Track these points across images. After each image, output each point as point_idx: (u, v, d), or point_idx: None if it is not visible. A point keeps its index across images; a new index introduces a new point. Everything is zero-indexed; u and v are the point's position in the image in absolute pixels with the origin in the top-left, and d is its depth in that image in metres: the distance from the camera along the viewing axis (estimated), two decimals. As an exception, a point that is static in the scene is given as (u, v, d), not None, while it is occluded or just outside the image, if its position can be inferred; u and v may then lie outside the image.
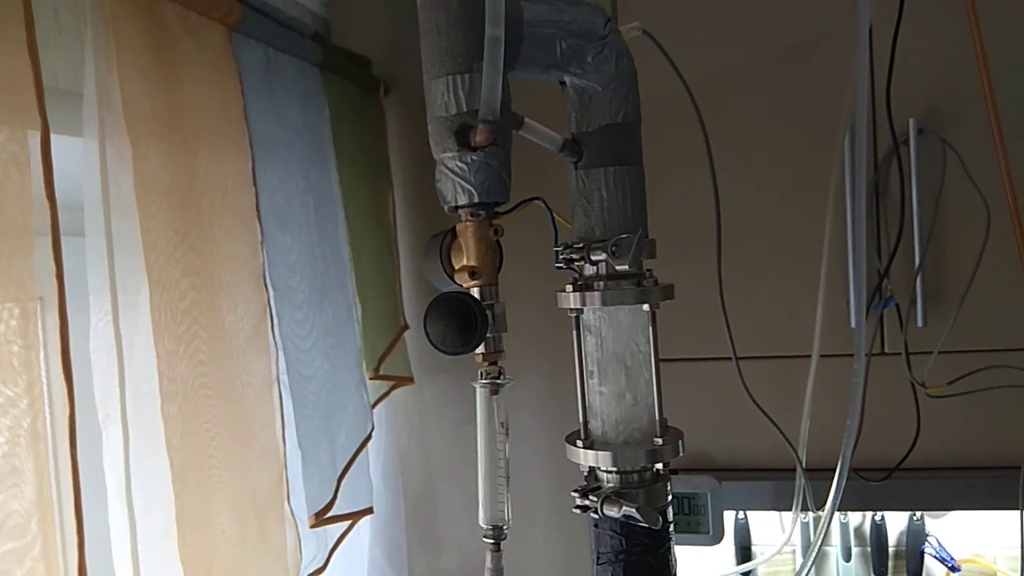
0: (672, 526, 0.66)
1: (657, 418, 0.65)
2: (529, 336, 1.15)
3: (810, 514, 1.30)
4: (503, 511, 0.61)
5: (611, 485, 0.64)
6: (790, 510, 1.05)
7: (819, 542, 0.70)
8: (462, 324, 0.53)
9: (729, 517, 1.27)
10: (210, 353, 0.72)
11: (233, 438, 0.75)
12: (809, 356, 1.00)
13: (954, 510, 1.19)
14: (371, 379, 1.05)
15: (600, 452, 0.64)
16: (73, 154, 0.62)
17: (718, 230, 0.83)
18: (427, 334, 0.55)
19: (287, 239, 0.87)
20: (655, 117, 0.94)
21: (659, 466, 0.66)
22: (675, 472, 1.13)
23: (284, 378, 0.85)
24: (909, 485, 1.07)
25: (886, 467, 1.06)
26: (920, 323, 1.03)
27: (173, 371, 0.67)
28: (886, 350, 1.07)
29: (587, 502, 0.62)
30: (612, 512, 0.61)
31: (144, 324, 0.66)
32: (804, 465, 1.02)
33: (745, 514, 1.28)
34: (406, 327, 1.18)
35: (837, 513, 1.27)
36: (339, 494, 0.92)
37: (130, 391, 0.64)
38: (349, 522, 0.97)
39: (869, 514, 1.26)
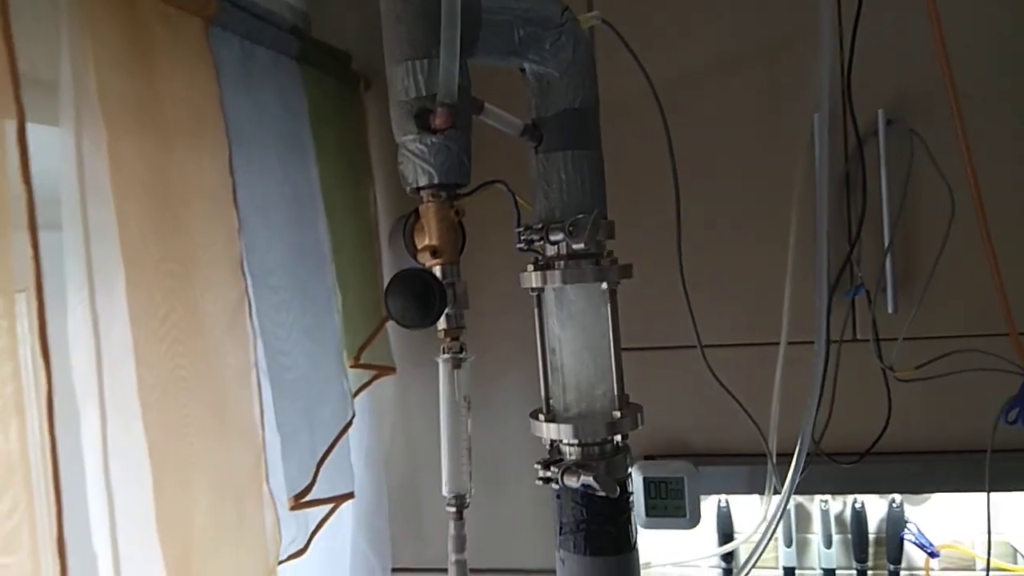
0: (631, 496, 0.68)
1: (616, 392, 0.67)
2: (525, 321, 1.17)
3: (792, 500, 1.32)
4: (466, 481, 0.63)
5: (573, 458, 0.66)
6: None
7: (777, 519, 0.72)
8: (421, 299, 0.55)
9: (712, 504, 1.29)
10: (187, 337, 0.74)
11: (211, 421, 0.77)
12: (791, 343, 1.02)
13: (926, 493, 1.22)
14: (351, 367, 1.07)
15: (561, 425, 0.66)
16: (48, 147, 0.63)
17: (678, 218, 0.85)
18: (387, 309, 0.57)
19: (265, 228, 0.89)
20: (630, 108, 0.96)
21: (619, 439, 0.68)
22: (652, 457, 1.16)
23: (263, 364, 0.87)
24: (882, 469, 1.09)
25: (859, 451, 1.08)
26: (891, 309, 1.05)
27: (150, 354, 0.69)
28: (858, 336, 1.09)
29: (549, 474, 0.64)
30: (571, 482, 0.63)
31: (120, 308, 0.68)
32: (776, 449, 1.04)
33: (727, 501, 1.30)
34: (388, 317, 1.19)
35: (818, 500, 1.29)
36: (318, 478, 0.94)
37: (107, 373, 0.66)
38: (330, 507, 0.99)
39: (850, 501, 1.28)
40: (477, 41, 0.62)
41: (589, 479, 0.61)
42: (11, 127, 0.56)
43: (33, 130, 0.56)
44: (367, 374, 1.15)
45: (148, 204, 0.70)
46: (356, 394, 1.11)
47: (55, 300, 0.58)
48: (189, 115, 0.77)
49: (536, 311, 0.68)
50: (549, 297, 0.69)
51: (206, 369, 0.77)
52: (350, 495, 1.04)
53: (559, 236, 0.64)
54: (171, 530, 0.70)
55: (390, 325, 1.21)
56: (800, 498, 1.32)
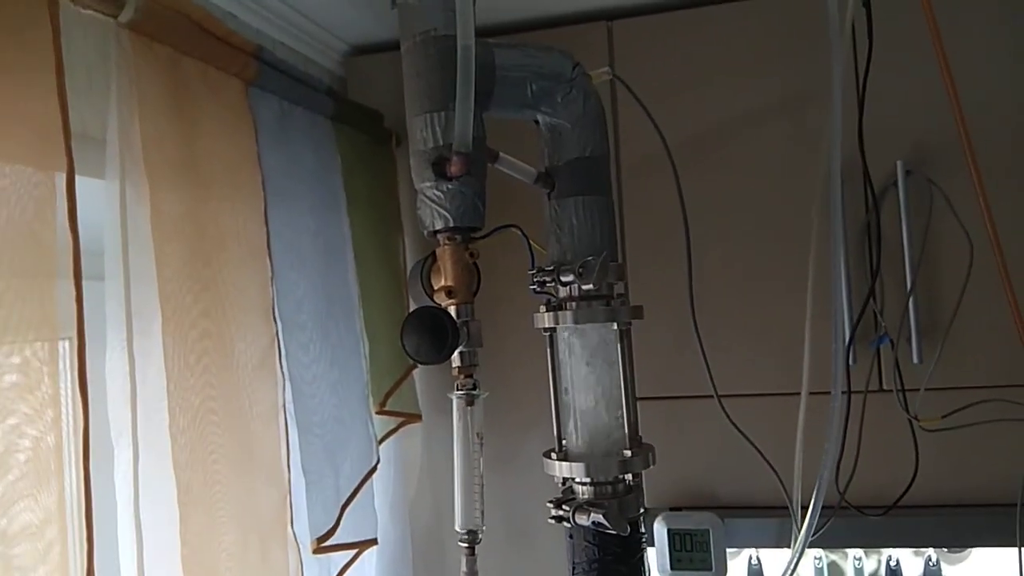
0: (643, 537, 0.68)
1: (628, 432, 0.68)
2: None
3: (824, 558, 1.29)
4: (478, 517, 0.65)
5: (585, 496, 0.67)
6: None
7: (792, 568, 0.72)
8: (434, 336, 0.58)
9: (743, 561, 1.27)
10: (219, 379, 0.77)
11: (238, 461, 0.79)
12: (812, 393, 1.02)
13: (956, 547, 1.18)
14: (377, 413, 1.09)
15: (574, 463, 0.67)
16: (93, 201, 0.68)
17: (689, 269, 0.87)
18: (403, 345, 0.60)
19: (296, 276, 0.93)
20: (654, 160, 0.99)
21: (630, 478, 0.69)
22: (677, 509, 1.15)
23: (290, 407, 0.89)
24: (910, 522, 1.06)
25: (887, 504, 1.06)
26: (915, 359, 1.05)
27: (183, 395, 0.72)
28: (884, 387, 1.09)
29: (561, 512, 0.65)
30: (583, 520, 0.63)
31: (157, 350, 0.71)
32: (800, 502, 1.03)
33: (759, 558, 1.28)
34: (414, 366, 1.22)
35: (852, 558, 1.26)
36: (342, 523, 0.95)
37: (141, 412, 0.69)
38: (353, 552, 1.00)
39: (884, 559, 1.25)
40: (492, 95, 0.66)
41: (599, 517, 0.62)
42: (61, 179, 0.60)
43: (80, 183, 0.60)
44: (393, 421, 1.17)
45: (186, 252, 0.75)
46: (382, 441, 1.13)
47: (94, 342, 0.61)
48: (228, 169, 0.82)
49: (548, 351, 0.70)
50: (562, 337, 0.71)
51: (236, 410, 0.80)
52: (373, 541, 1.05)
53: (570, 277, 0.67)
54: (196, 567, 0.72)
55: (417, 374, 1.23)
56: (834, 555, 1.29)
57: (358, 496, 1.01)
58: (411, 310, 0.61)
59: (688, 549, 1.12)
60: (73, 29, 0.67)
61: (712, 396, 1.12)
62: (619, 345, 0.68)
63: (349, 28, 1.18)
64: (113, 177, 0.69)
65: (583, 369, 0.70)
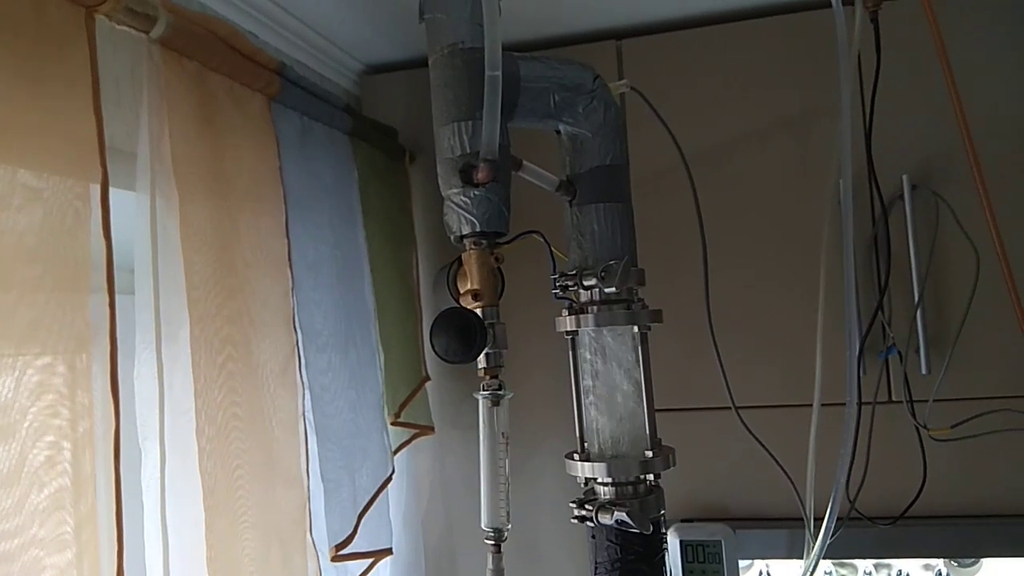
0: (665, 537, 0.69)
1: (648, 432, 0.69)
2: (563, 388, 1.19)
3: (834, 572, 1.30)
4: (503, 515, 0.66)
5: (607, 497, 0.68)
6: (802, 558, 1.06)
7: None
8: (464, 336, 0.60)
9: (754, 573, 1.28)
10: (242, 386, 0.79)
11: (260, 466, 0.81)
12: (824, 405, 1.03)
13: (966, 557, 1.19)
14: (392, 424, 1.10)
15: (596, 464, 0.68)
16: (123, 217, 0.69)
17: (706, 281, 0.89)
18: (432, 345, 0.61)
19: (315, 287, 0.95)
20: (667, 176, 1.01)
21: (651, 479, 0.70)
22: (690, 520, 1.16)
23: (310, 415, 0.91)
24: (920, 533, 1.07)
25: (895, 514, 1.07)
26: (924, 370, 1.06)
27: (208, 400, 0.74)
28: (892, 398, 1.10)
29: (584, 512, 0.66)
30: (606, 519, 0.64)
31: (184, 356, 0.73)
32: (813, 513, 1.04)
33: (769, 572, 1.28)
34: (427, 378, 1.23)
35: (861, 572, 1.27)
36: (359, 531, 0.96)
37: (169, 415, 0.70)
38: (369, 561, 1.01)
39: (894, 574, 1.25)
40: (517, 106, 0.68)
41: (623, 515, 0.63)
42: (95, 190, 0.62)
43: (112, 194, 0.62)
44: (407, 433, 1.18)
45: (213, 261, 0.76)
46: (396, 452, 1.14)
47: (123, 353, 0.63)
48: (252, 182, 0.84)
49: (571, 354, 0.71)
50: (584, 341, 0.72)
51: (258, 416, 0.81)
52: (389, 551, 1.05)
53: (592, 281, 0.68)
54: (221, 570, 0.73)
55: (429, 387, 1.25)
56: (844, 570, 1.30)
57: (374, 506, 1.02)
58: (440, 311, 0.62)
59: (700, 560, 1.12)
60: (104, 44, 0.69)
61: (722, 408, 1.13)
62: (639, 348, 0.70)
63: (364, 48, 1.21)
64: (144, 188, 0.71)
65: (604, 372, 0.71)
